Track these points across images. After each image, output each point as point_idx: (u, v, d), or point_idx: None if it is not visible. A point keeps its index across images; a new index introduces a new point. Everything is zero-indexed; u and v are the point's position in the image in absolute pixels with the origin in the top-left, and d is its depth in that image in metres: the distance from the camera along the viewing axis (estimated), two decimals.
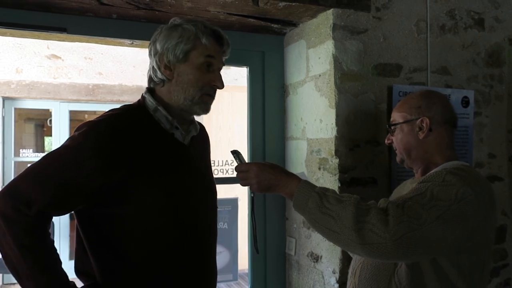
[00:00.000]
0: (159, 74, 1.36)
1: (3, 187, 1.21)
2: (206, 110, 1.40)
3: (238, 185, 1.47)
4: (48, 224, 1.23)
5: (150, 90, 1.41)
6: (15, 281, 1.26)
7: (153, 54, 1.36)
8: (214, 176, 1.61)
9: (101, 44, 2.07)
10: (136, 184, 1.26)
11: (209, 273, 1.47)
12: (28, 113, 7.88)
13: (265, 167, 1.36)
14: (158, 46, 1.35)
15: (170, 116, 1.36)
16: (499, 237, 2.24)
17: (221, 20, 1.97)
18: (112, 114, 1.32)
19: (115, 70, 5.01)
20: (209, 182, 1.52)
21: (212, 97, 1.41)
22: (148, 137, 1.32)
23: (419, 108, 1.43)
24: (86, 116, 7.63)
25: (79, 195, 1.22)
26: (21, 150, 5.29)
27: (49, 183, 1.19)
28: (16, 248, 1.17)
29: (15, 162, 5.06)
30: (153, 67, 1.37)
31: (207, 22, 1.39)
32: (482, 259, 1.33)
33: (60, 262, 1.25)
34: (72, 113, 5.27)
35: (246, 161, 1.44)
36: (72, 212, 1.31)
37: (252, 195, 1.47)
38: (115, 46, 2.14)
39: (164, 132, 1.36)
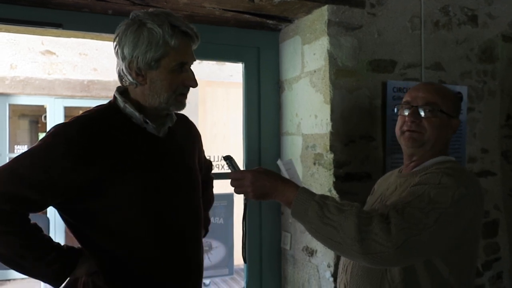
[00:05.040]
0: (130, 78, 1.33)
1: None
2: (181, 107, 1.40)
3: None
4: (27, 214, 1.26)
5: (121, 89, 1.40)
6: (8, 278, 1.29)
7: (121, 58, 1.33)
8: None
9: (97, 40, 2.07)
10: (110, 179, 1.28)
11: (190, 266, 1.46)
12: (23, 109, 7.83)
13: (260, 174, 1.33)
14: (126, 52, 1.30)
15: (138, 112, 1.34)
16: (491, 231, 2.26)
17: (216, 16, 1.98)
18: (81, 115, 1.35)
19: (110, 66, 4.98)
20: (188, 174, 1.49)
21: (186, 95, 1.40)
22: (120, 133, 1.32)
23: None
24: (80, 112, 7.59)
25: (51, 194, 1.25)
26: (15, 146, 5.28)
27: (21, 183, 1.21)
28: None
29: (9, 159, 5.04)
30: (122, 69, 1.34)
31: (172, 15, 1.34)
32: (472, 254, 1.36)
33: (48, 241, 1.30)
34: (67, 109, 5.24)
35: (239, 167, 1.41)
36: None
37: (246, 202, 1.44)
38: (110, 42, 2.14)
39: (136, 127, 1.36)
